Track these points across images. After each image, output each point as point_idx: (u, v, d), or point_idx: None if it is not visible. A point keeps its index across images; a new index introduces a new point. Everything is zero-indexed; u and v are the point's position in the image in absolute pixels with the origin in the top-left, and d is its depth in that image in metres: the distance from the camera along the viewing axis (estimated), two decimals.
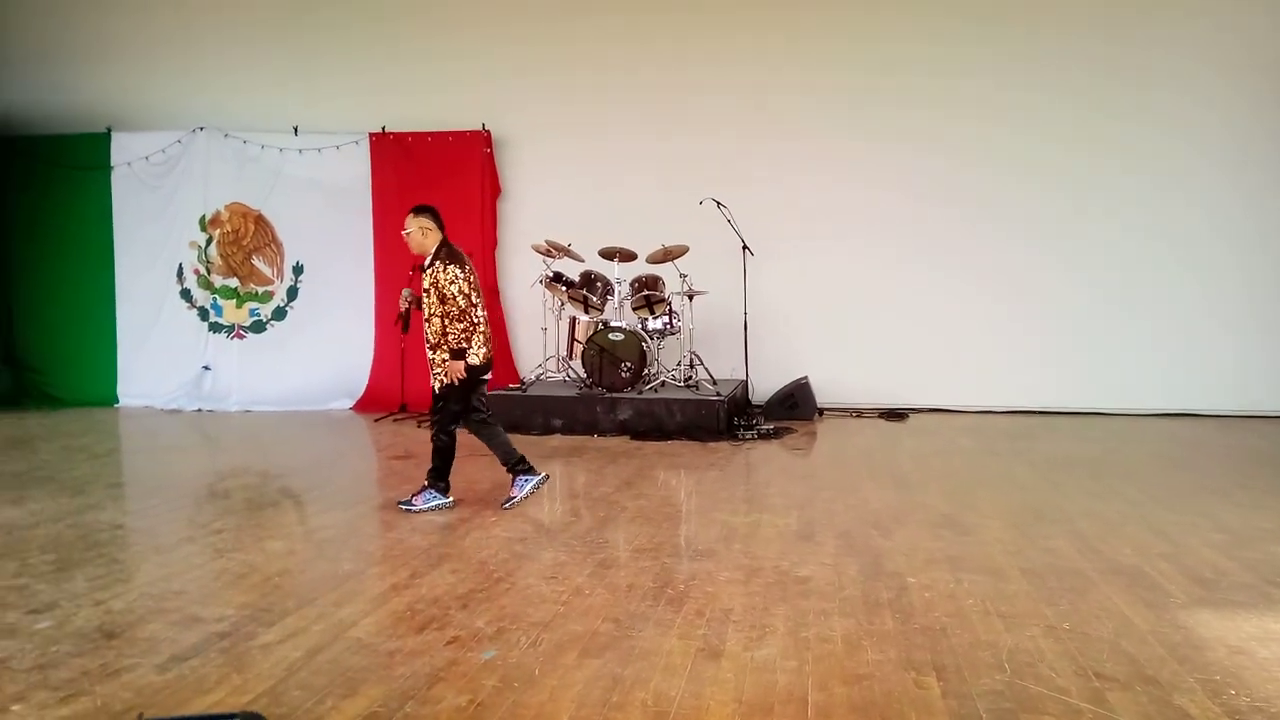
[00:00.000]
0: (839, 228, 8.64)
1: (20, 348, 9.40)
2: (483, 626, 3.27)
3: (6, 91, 9.63)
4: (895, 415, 8.20)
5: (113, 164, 9.12)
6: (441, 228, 4.96)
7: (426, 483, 4.97)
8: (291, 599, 3.57)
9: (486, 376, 5.07)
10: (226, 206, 9.10)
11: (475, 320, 4.86)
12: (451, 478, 5.08)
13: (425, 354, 5.05)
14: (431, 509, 4.89)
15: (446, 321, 4.83)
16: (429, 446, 6.80)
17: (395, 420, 8.23)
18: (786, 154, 8.65)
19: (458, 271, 4.80)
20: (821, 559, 4.04)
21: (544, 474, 5.12)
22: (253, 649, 3.07)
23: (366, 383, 9.03)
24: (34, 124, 9.43)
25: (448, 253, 4.88)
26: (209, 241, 9.10)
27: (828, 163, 8.61)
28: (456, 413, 4.99)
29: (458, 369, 4.85)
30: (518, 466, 5.08)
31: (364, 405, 8.90)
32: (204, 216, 9.07)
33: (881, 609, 3.41)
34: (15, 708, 2.65)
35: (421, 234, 4.89)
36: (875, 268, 8.63)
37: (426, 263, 4.88)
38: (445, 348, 4.87)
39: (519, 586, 3.71)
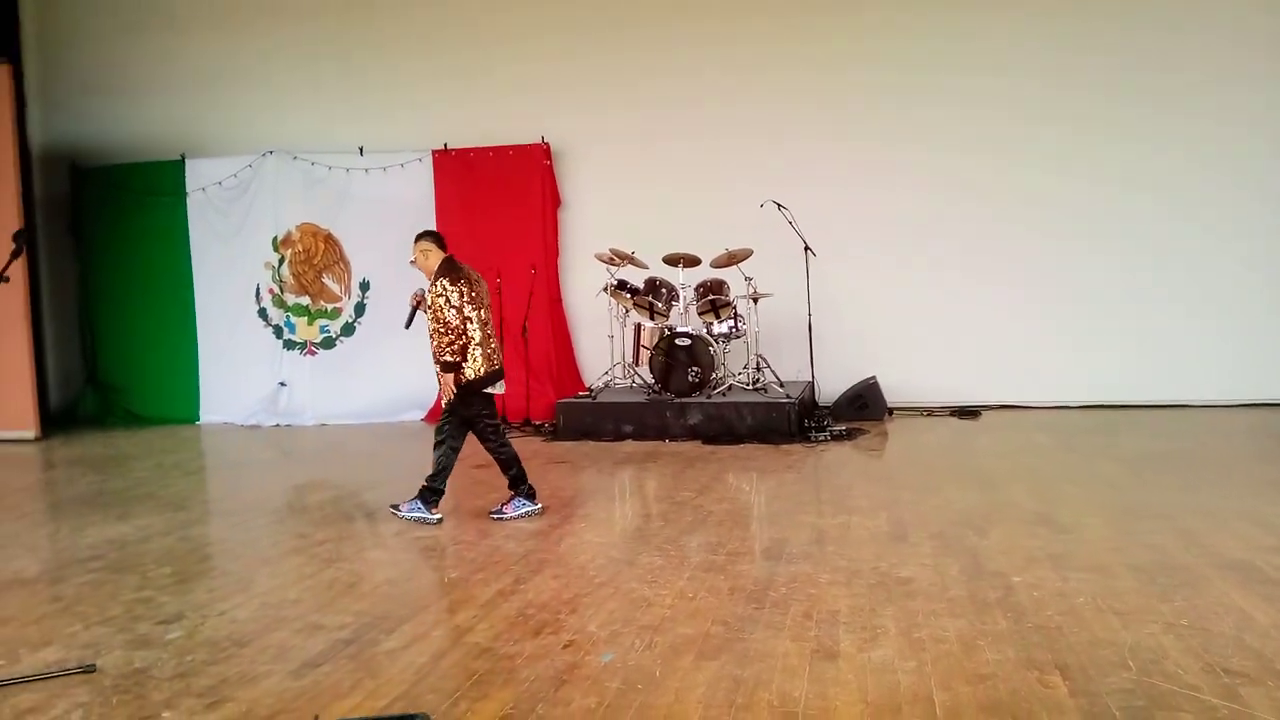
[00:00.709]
0: (901, 226, 8.59)
1: (104, 368, 9.75)
2: (595, 630, 3.33)
3: (86, 122, 10.00)
4: (967, 413, 8.12)
5: (188, 190, 9.41)
6: (443, 247, 5.04)
7: (420, 493, 5.00)
8: (404, 606, 3.68)
9: (491, 390, 5.05)
10: (297, 227, 9.35)
11: (469, 334, 4.86)
12: (543, 488, 5.15)
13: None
14: (416, 518, 4.93)
15: (438, 337, 4.86)
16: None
17: None
18: (848, 154, 8.63)
19: (447, 284, 4.84)
20: (920, 560, 4.04)
21: (541, 506, 5.10)
22: (379, 655, 3.17)
23: (436, 394, 9.17)
24: (112, 153, 9.78)
25: (445, 268, 4.93)
26: (281, 261, 9.35)
27: (890, 163, 8.57)
28: (459, 423, 5.01)
29: (448, 383, 4.90)
30: (521, 487, 5.09)
31: (435, 416, 9.05)
32: (276, 237, 9.32)
33: (991, 609, 3.40)
34: (165, 714, 2.78)
35: (424, 256, 5.00)
36: (940, 264, 8.56)
37: (431, 282, 4.94)
38: (436, 359, 4.93)
39: (622, 590, 3.76)
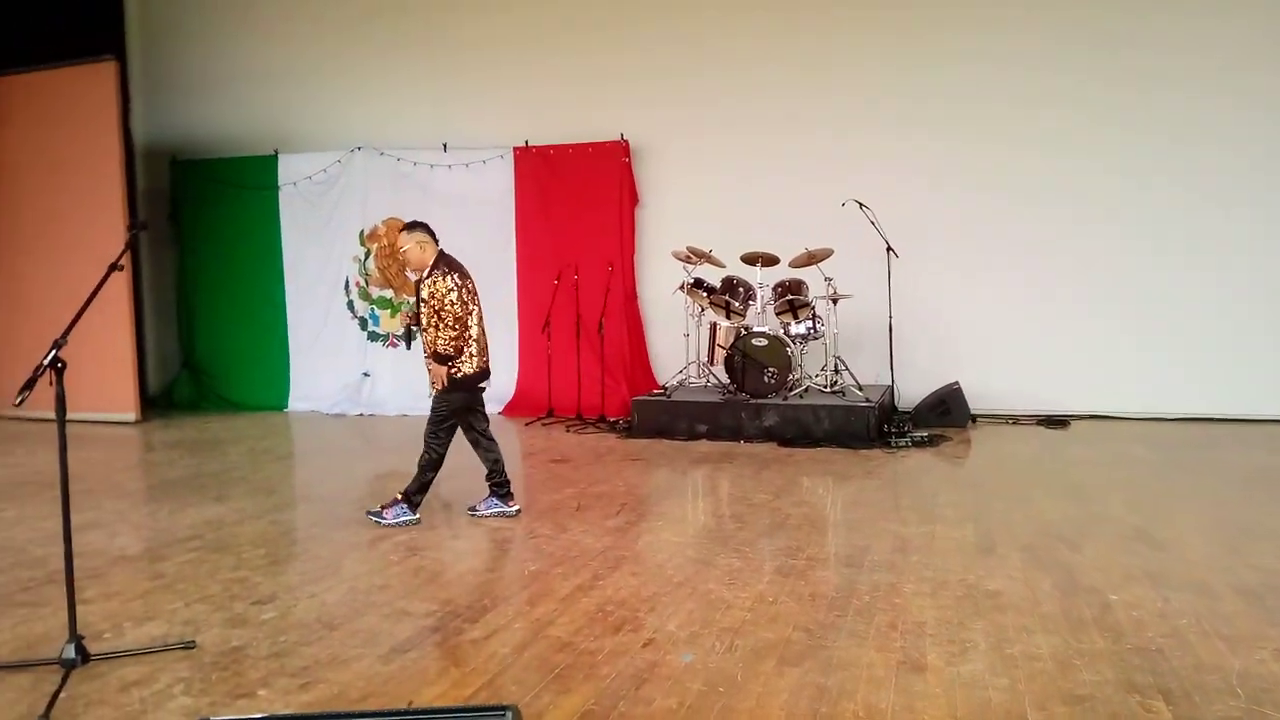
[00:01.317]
0: (987, 227, 8.35)
1: (199, 355, 10.17)
2: (675, 630, 3.33)
3: (185, 118, 10.44)
4: (1055, 422, 7.84)
5: (280, 183, 9.75)
6: (436, 240, 4.86)
7: (399, 496, 4.92)
8: (486, 596, 3.73)
9: (483, 386, 5.03)
10: (383, 221, 9.59)
11: (469, 329, 4.82)
12: (610, 483, 5.17)
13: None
14: (401, 524, 4.82)
15: (438, 330, 4.76)
16: (583, 450, 7.09)
17: (544, 425, 8.46)
18: (933, 153, 8.41)
19: (456, 279, 4.78)
20: (1009, 572, 3.91)
21: (517, 508, 5.07)
22: (463, 643, 3.23)
23: (513, 388, 9.32)
24: (209, 148, 10.19)
25: (448, 262, 4.81)
26: (367, 255, 9.60)
27: (976, 161, 8.33)
28: (448, 420, 4.92)
29: (440, 374, 4.83)
30: (500, 489, 5.05)
31: (511, 409, 9.20)
32: (362, 231, 9.57)
33: (1087, 627, 3.27)
34: (261, 692, 2.88)
35: (419, 249, 4.77)
36: (1028, 267, 8.28)
37: (425, 274, 4.79)
38: (430, 351, 4.85)
39: (700, 591, 3.75)
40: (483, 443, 5.07)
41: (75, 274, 8.93)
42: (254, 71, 10.20)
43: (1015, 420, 8.02)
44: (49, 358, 2.84)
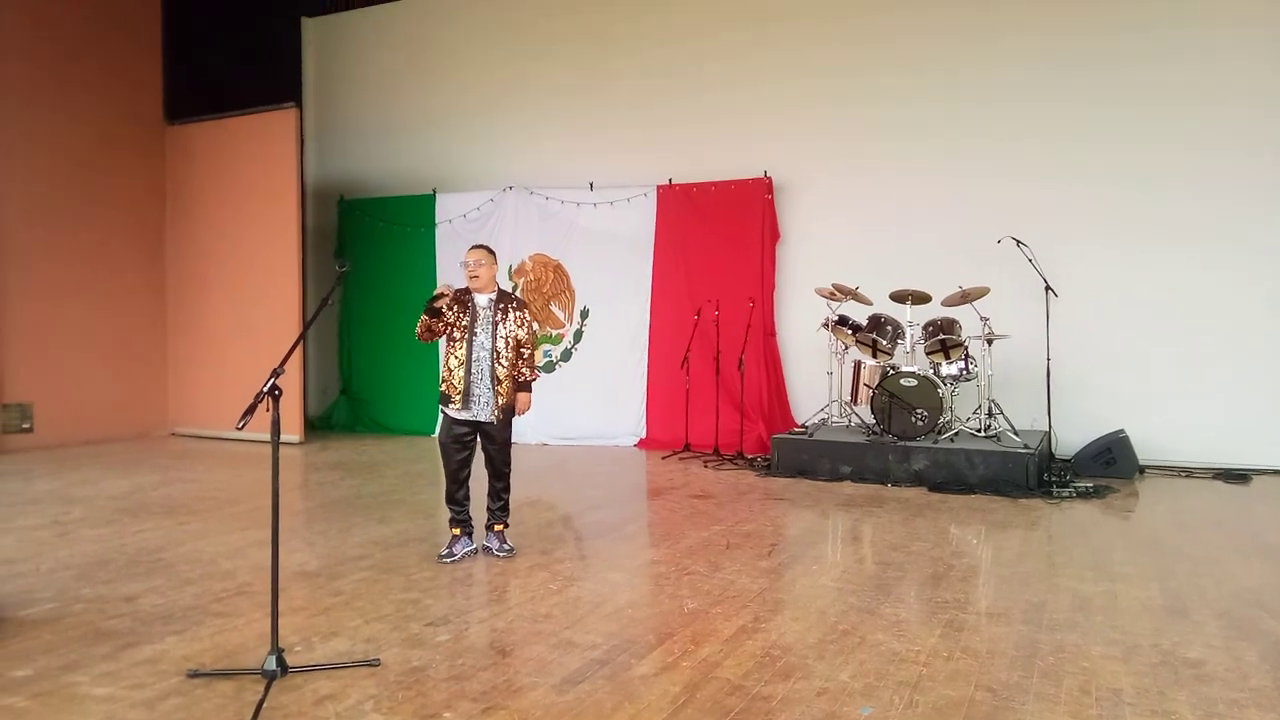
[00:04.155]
0: (1156, 259, 7.89)
1: (356, 382, 10.75)
2: (848, 680, 3.23)
3: (349, 160, 11.19)
4: (1234, 476, 7.25)
5: (437, 221, 10.26)
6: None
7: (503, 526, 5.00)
8: (650, 633, 3.74)
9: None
10: (530, 257, 9.93)
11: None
12: (756, 522, 5.09)
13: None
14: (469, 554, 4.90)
15: (521, 358, 4.89)
16: (723, 487, 7.06)
17: (680, 459, 8.47)
18: (1097, 193, 8.05)
19: (529, 311, 5.04)
20: (1208, 640, 3.62)
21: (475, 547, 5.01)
22: (633, 679, 3.24)
23: (644, 421, 9.41)
24: (372, 188, 10.87)
25: (506, 290, 5.01)
26: (515, 289, 9.94)
27: (1144, 201, 7.90)
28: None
29: (527, 401, 4.97)
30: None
31: (647, 442, 9.27)
32: (511, 266, 9.93)
33: None
34: (446, 715, 2.97)
35: (489, 270, 4.86)
36: (1203, 304, 7.76)
37: (495, 297, 4.84)
38: (511, 379, 4.87)
39: (869, 642, 3.63)
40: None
41: (245, 303, 9.70)
42: (415, 116, 10.85)
43: (1188, 473, 7.47)
44: (268, 386, 3.05)
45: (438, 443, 5.01)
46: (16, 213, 8.93)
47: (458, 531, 4.91)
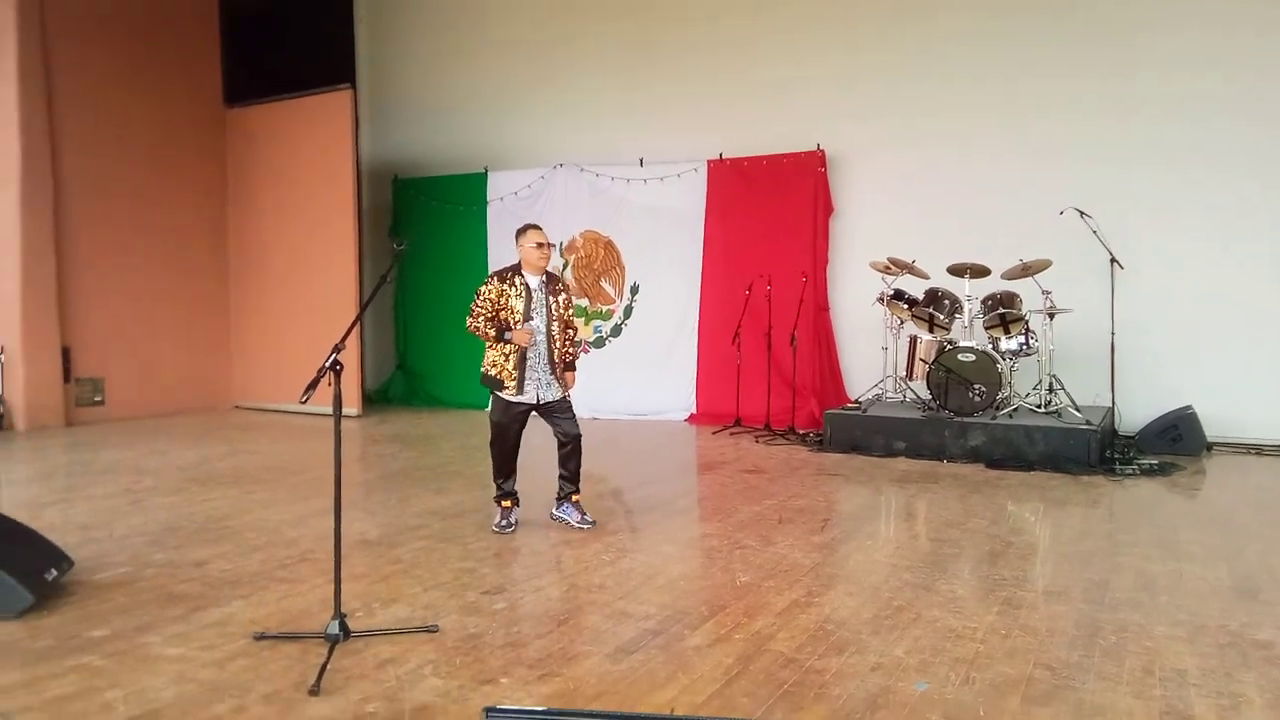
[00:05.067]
0: (1227, 231, 7.59)
1: (411, 356, 10.94)
2: (903, 656, 3.21)
3: (402, 140, 11.31)
4: None
5: (489, 199, 10.34)
6: None
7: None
8: (703, 604, 3.76)
9: None
10: (581, 233, 9.95)
11: None
12: (809, 497, 5.06)
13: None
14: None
15: (567, 337, 4.91)
16: (775, 461, 7.02)
17: (731, 434, 8.46)
18: (1159, 149, 7.76)
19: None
20: (1278, 622, 3.50)
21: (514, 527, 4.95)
22: (686, 650, 3.26)
23: (694, 396, 9.40)
24: (426, 167, 10.97)
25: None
26: (565, 266, 9.98)
27: (1212, 154, 7.59)
28: None
29: (574, 379, 4.98)
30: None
31: (697, 417, 9.27)
32: (561, 243, 9.96)
33: None
34: (504, 680, 3.03)
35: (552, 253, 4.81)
36: (1270, 278, 7.45)
37: (544, 278, 4.79)
38: (563, 359, 4.88)
39: (924, 618, 3.60)
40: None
41: (304, 280, 9.91)
42: (465, 96, 10.90)
43: (1259, 450, 7.21)
44: (330, 361, 3.11)
45: (491, 421, 4.95)
46: (87, 194, 9.22)
47: (509, 504, 4.95)
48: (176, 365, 9.98)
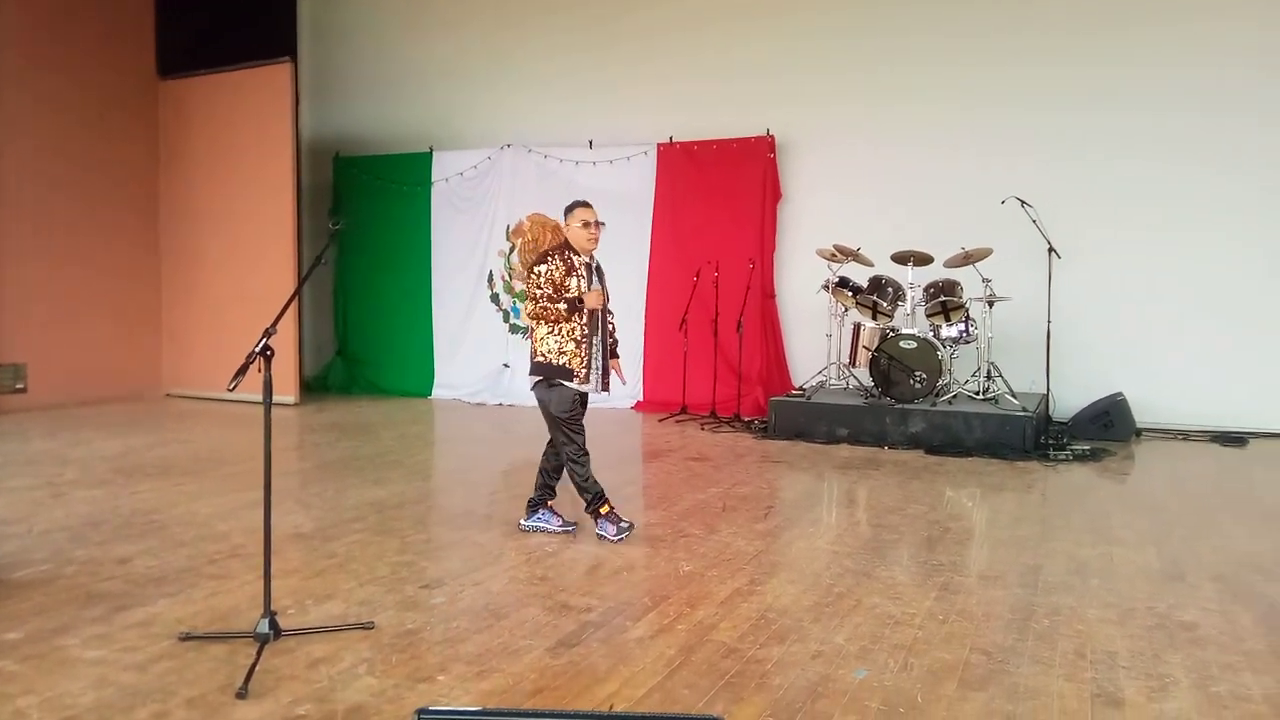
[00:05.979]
0: (1158, 221, 7.81)
1: (351, 342, 10.69)
2: (843, 643, 3.23)
3: (345, 117, 10.99)
4: (1231, 439, 7.24)
5: (433, 179, 10.12)
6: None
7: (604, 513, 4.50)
8: (646, 595, 3.73)
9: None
10: (528, 216, 9.75)
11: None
12: (753, 484, 5.07)
13: (618, 354, 4.69)
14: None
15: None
16: (720, 449, 7.04)
17: (678, 421, 8.45)
18: (1098, 141, 7.95)
19: None
20: (1203, 604, 3.62)
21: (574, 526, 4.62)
22: (628, 642, 3.23)
23: (641, 384, 9.37)
24: (368, 145, 10.69)
25: None
26: (511, 249, 9.84)
27: (1148, 145, 7.80)
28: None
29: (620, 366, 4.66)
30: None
31: (643, 405, 9.24)
32: (508, 226, 9.82)
33: None
34: (440, 677, 2.96)
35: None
36: (1203, 267, 7.70)
37: (593, 260, 4.55)
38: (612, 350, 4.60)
39: (864, 605, 3.63)
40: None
41: (240, 262, 9.59)
42: (412, 72, 10.63)
43: (1185, 436, 7.46)
44: (260, 346, 2.99)
45: (560, 415, 4.43)
46: (6, 168, 8.77)
47: (607, 509, 4.47)
48: (104, 351, 9.59)
